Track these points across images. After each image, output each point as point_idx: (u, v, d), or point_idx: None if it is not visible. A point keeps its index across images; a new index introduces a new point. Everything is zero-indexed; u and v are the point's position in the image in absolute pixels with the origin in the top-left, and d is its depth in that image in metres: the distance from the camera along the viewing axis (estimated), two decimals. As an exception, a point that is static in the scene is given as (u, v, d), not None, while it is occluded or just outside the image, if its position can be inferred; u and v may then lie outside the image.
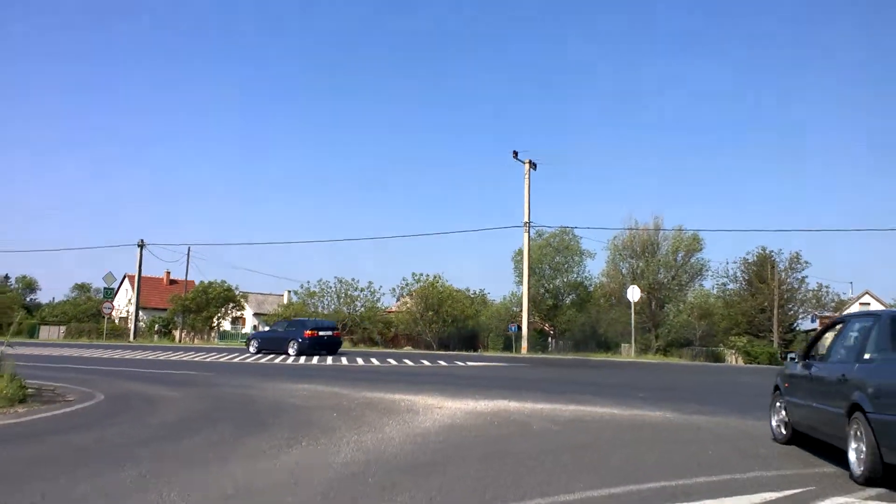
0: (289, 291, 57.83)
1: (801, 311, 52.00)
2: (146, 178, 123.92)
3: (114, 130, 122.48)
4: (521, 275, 39.58)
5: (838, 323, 8.24)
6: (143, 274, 68.21)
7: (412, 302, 49.54)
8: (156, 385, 15.42)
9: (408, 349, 43.63)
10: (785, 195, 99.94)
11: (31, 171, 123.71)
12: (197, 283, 57.12)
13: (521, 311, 39.10)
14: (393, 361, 25.78)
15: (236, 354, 28.39)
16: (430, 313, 47.72)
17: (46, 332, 57.03)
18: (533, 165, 37.14)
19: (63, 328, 56.73)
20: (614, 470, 6.54)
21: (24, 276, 73.21)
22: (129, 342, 42.57)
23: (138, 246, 46.63)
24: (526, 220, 36.85)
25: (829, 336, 8.28)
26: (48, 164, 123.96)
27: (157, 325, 54.08)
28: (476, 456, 7.16)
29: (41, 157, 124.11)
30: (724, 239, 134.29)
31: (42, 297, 75.83)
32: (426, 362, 25.95)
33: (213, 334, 54.76)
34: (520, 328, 38.99)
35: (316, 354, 27.76)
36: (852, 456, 6.37)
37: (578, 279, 48.66)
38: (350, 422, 9.61)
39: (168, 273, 68.61)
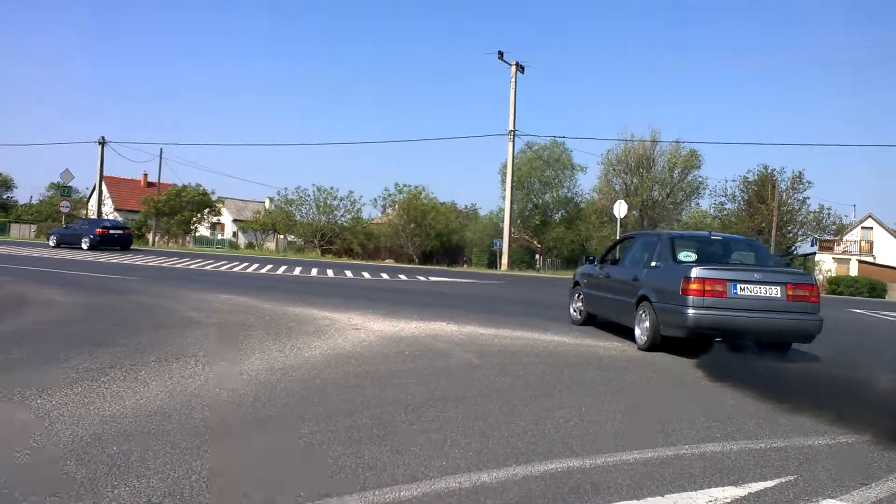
0: (269, 199, 55.50)
1: (800, 233, 49.94)
2: (122, 75, 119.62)
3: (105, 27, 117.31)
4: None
5: (628, 238, 11.28)
6: (120, 176, 65.94)
7: (394, 213, 47.44)
8: (58, 288, 13.43)
9: (389, 262, 41.78)
10: (790, 109, 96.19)
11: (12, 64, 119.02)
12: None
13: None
14: (349, 273, 23.86)
15: (199, 261, 26.41)
16: (413, 226, 45.67)
17: (18, 231, 55.13)
18: (520, 68, 34.06)
19: (34, 227, 54.78)
20: (513, 436, 4.51)
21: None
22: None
23: (99, 143, 43.58)
24: (511, 127, 34.10)
25: (619, 248, 11.49)
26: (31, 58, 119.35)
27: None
28: (326, 411, 5.04)
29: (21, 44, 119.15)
30: (723, 157, 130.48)
31: (21, 195, 73.24)
32: (385, 276, 24.03)
33: (187, 239, 52.86)
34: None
35: (107, 249, 30.67)
36: (638, 332, 8.99)
37: (569, 195, 46.31)
38: (219, 346, 7.62)
39: (145, 175, 66.02)
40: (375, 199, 49.26)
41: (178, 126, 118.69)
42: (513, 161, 35.32)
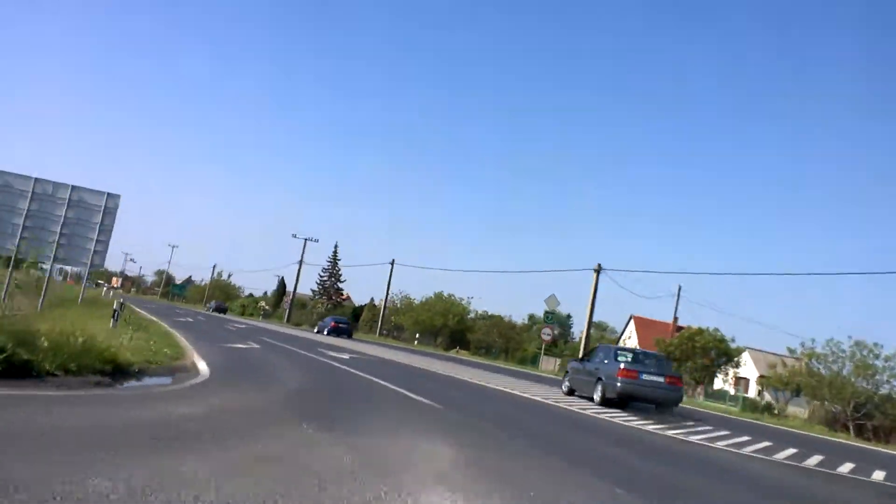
0: (790, 350, 46.01)
1: None
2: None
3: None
4: None
5: (595, 349, 22.36)
6: (651, 318, 65.06)
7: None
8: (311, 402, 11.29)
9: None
10: None
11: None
12: (691, 326, 50.67)
13: None
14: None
15: (681, 427, 16.71)
16: None
17: (543, 364, 58.53)
18: None
19: (559, 361, 57.43)
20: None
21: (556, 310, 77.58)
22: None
23: (595, 271, 42.19)
24: None
25: (591, 353, 21.95)
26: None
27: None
28: None
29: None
30: None
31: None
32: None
33: (698, 390, 47.50)
34: None
35: (337, 336, 46.15)
36: (596, 396, 18.52)
37: None
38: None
39: (675, 320, 63.46)
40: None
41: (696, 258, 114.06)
42: None
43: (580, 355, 28.62)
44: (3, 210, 22.54)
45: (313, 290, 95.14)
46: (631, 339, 66.43)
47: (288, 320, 74.46)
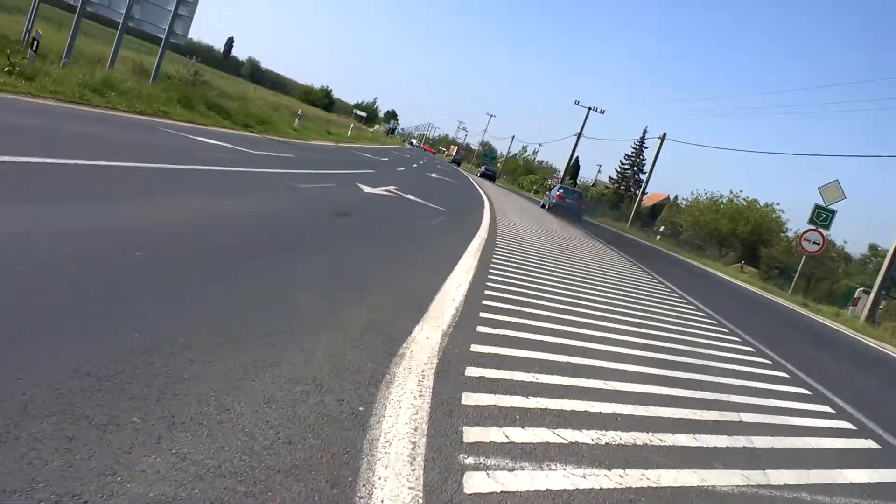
0: None
1: None
2: None
3: None
4: None
5: (556, 186, 47.76)
6: None
7: None
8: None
9: None
10: None
11: None
12: None
13: None
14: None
15: None
16: None
17: (854, 310, 41.82)
18: None
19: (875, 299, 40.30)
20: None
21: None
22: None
23: None
24: None
25: (553, 187, 47.05)
26: None
27: None
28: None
29: None
30: None
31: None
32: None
33: None
34: None
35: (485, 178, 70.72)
36: (545, 206, 40.19)
37: None
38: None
39: None
40: None
41: None
42: None
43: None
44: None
45: (611, 178, 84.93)
46: None
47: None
